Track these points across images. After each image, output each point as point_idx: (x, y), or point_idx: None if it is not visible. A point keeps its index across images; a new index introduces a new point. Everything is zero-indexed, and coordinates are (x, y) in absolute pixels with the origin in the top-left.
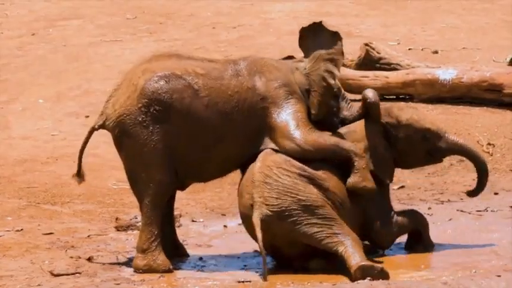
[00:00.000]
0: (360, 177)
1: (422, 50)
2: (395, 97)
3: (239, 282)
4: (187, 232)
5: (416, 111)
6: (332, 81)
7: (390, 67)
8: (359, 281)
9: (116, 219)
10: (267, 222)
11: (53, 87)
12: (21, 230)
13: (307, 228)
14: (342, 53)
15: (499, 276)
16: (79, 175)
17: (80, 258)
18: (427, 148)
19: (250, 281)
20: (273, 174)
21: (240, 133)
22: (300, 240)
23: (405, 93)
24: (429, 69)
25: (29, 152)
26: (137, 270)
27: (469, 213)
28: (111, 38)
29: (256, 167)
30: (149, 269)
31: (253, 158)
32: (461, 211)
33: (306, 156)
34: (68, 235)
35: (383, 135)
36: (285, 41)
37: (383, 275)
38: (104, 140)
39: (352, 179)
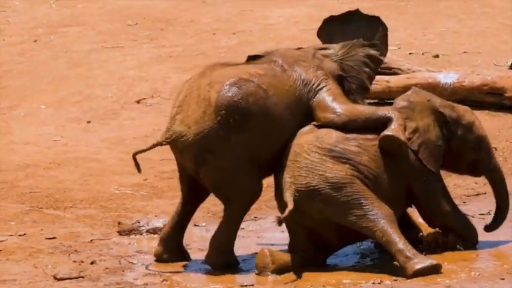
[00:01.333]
0: (394, 130)
1: (422, 54)
2: None
3: (242, 286)
4: (189, 236)
5: (479, 120)
6: (373, 66)
7: (390, 71)
8: (361, 284)
9: (119, 223)
10: (297, 202)
11: (54, 93)
12: (24, 234)
13: (338, 208)
14: (385, 36)
15: (503, 279)
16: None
17: (83, 262)
18: (475, 157)
19: (252, 285)
20: (303, 152)
21: (296, 122)
22: (333, 220)
23: None
24: (431, 73)
25: (31, 157)
26: (213, 267)
27: (472, 217)
28: (112, 44)
29: (289, 147)
30: (226, 265)
31: None
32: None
33: (347, 125)
34: (71, 239)
35: (440, 125)
36: (285, 46)
37: (437, 269)
38: (105, 146)
39: (386, 131)
